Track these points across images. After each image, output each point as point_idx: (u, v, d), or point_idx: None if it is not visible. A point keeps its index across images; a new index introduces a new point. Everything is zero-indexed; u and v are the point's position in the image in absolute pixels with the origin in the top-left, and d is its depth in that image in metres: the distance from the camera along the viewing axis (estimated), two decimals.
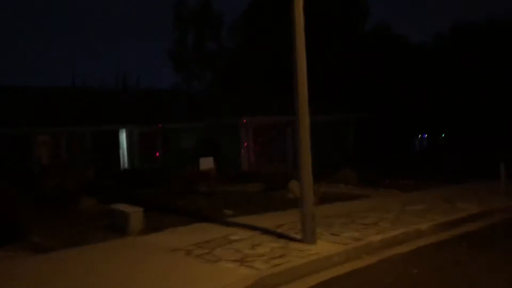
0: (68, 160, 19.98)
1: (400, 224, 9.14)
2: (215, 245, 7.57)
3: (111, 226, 8.54)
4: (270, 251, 7.18)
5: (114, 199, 10.98)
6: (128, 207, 8.66)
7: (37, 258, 7.20)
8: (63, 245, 7.77)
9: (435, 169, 20.09)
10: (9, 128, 18.78)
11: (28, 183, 12.67)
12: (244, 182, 16.56)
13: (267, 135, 22.97)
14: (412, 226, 8.96)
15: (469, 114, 28.91)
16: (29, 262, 6.98)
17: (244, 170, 21.05)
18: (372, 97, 30.92)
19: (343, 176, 16.70)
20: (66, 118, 20.63)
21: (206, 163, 13.69)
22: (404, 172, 18.74)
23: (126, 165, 24.07)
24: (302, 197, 7.64)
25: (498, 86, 27.56)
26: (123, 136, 24.26)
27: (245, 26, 40.17)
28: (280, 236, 8.10)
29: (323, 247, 7.39)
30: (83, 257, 7.17)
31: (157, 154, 24.65)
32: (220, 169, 18.73)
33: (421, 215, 10.10)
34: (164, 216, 10.18)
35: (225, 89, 35.76)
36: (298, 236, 7.87)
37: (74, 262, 6.86)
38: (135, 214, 8.34)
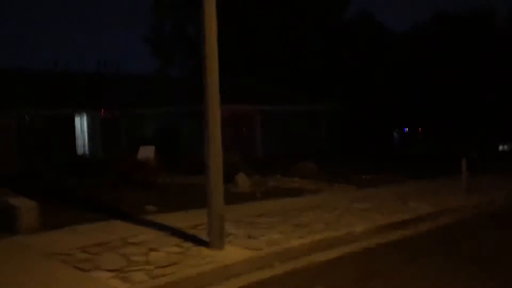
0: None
1: (335, 225, 8.19)
2: (106, 248, 6.56)
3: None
4: (164, 257, 6.18)
5: (32, 191, 9.90)
6: (21, 201, 7.61)
7: None
8: None
9: (407, 163, 19.19)
10: None
11: None
12: (201, 173, 15.48)
13: (236, 124, 21.91)
14: (347, 229, 8.00)
15: (448, 107, 28.01)
16: None
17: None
18: (352, 88, 29.90)
19: (302, 169, 15.77)
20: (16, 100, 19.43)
21: (145, 152, 12.64)
22: (373, 166, 17.90)
23: (86, 153, 22.96)
24: (208, 197, 6.61)
25: (476, 77, 26.65)
26: (82, 122, 23.14)
27: (224, 8, 38.81)
28: (189, 238, 7.09)
29: (230, 253, 6.40)
30: None
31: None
32: (178, 159, 17.73)
33: (364, 215, 9.15)
34: (77, 211, 9.14)
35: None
36: (208, 239, 6.86)
37: None
38: (25, 209, 7.30)
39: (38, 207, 7.60)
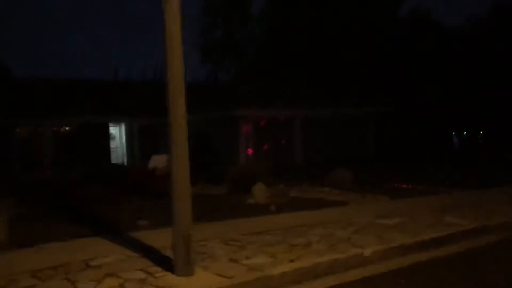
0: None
1: (342, 246, 6.95)
2: (61, 272, 5.74)
3: None
4: (117, 286, 5.26)
5: (40, 201, 9.46)
6: None
7: None
8: None
9: (462, 171, 17.22)
10: None
11: None
12: (224, 182, 14.61)
13: (274, 130, 20.88)
14: (354, 250, 6.74)
15: None
16: None
17: (242, 167, 19.07)
18: (402, 89, 27.94)
19: (335, 177, 14.43)
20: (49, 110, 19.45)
21: (157, 161, 11.89)
22: (420, 174, 16.25)
23: (124, 161, 22.80)
24: (172, 214, 5.63)
25: None
26: (120, 130, 22.99)
27: (272, 13, 38.06)
28: (161, 261, 6.14)
29: (196, 281, 5.38)
30: None
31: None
32: (209, 166, 16.95)
33: (384, 233, 7.82)
34: (67, 223, 8.53)
35: (247, 81, 33.87)
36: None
37: None
38: None
39: (5, 222, 6.94)
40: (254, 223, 8.71)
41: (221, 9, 41.54)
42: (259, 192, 11.17)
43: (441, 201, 11.13)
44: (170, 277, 5.52)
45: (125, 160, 22.94)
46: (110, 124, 22.15)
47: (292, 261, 6.16)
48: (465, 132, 29.70)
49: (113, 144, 22.81)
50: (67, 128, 19.97)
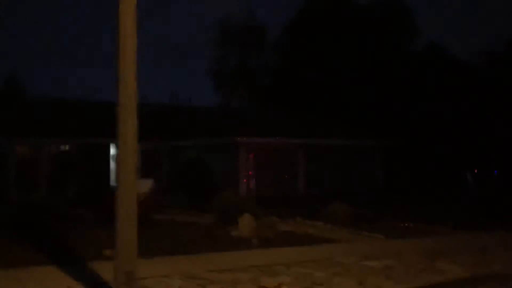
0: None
1: None
2: None
3: None
4: None
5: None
6: None
7: None
8: None
9: (469, 211, 16.28)
10: None
11: None
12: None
13: (274, 159, 20.25)
14: None
15: None
16: None
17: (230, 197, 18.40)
18: (416, 123, 27.20)
19: (332, 211, 13.71)
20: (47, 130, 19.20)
21: (141, 185, 11.37)
22: (425, 212, 15.40)
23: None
24: (115, 247, 5.06)
25: None
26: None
27: (284, 43, 37.98)
28: None
29: None
30: None
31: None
32: (205, 194, 16.38)
33: (366, 277, 7.13)
34: (26, 249, 8.04)
35: (257, 109, 33.55)
36: None
37: None
38: None
39: None
40: (229, 258, 8.08)
41: (236, 37, 41.71)
42: (245, 224, 10.54)
43: (439, 243, 10.36)
44: None
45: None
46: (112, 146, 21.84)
47: None
48: (475, 170, 28.59)
49: (115, 166, 22.45)
50: (66, 148, 19.66)
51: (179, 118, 24.99)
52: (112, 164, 21.87)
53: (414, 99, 26.97)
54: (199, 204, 14.71)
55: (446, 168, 26.75)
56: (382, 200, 18.99)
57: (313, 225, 12.21)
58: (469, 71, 26.83)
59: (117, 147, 5.17)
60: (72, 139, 19.42)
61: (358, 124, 25.27)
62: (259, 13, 57.25)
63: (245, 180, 18.56)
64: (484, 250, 9.73)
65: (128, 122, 5.12)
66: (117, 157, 5.11)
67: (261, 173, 19.56)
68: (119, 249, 4.96)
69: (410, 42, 32.90)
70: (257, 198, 17.45)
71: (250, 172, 19.08)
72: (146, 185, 11.37)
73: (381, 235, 11.04)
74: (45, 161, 18.73)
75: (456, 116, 25.81)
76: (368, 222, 12.88)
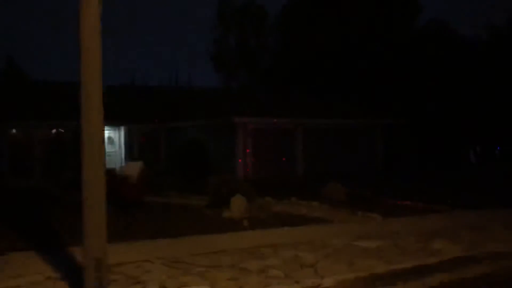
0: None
1: (302, 274, 6.06)
2: None
3: None
4: None
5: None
6: None
7: None
8: None
9: (471, 189, 15.91)
10: None
11: None
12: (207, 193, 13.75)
13: (273, 139, 19.94)
14: (314, 280, 5.79)
15: None
16: None
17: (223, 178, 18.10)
18: (419, 101, 26.74)
19: (328, 191, 13.47)
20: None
21: (131, 167, 11.12)
22: (425, 191, 15.06)
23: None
24: (84, 231, 4.78)
25: None
26: (120, 134, 22.41)
27: (283, 23, 37.30)
28: (78, 285, 5.28)
29: None
30: None
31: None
32: (202, 176, 16.13)
33: (358, 258, 6.85)
34: (9, 234, 7.81)
35: (257, 90, 33.11)
36: None
37: None
38: None
39: None
40: (217, 241, 7.82)
41: (234, 17, 41.02)
42: (236, 206, 10.28)
43: (437, 222, 10.06)
44: None
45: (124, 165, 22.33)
46: (107, 128, 21.60)
47: None
48: (477, 148, 28.19)
49: (111, 148, 22.22)
50: (60, 132, 19.40)
51: (177, 100, 24.68)
52: (111, 147, 21.75)
53: (415, 77, 26.46)
54: (195, 186, 14.44)
55: (449, 146, 26.37)
56: (382, 179, 18.69)
57: (308, 205, 11.93)
58: (472, 46, 26.21)
59: (81, 127, 4.80)
60: (63, 122, 19.15)
61: (358, 103, 24.85)
62: None
63: (241, 161, 18.29)
64: (482, 228, 9.43)
65: (93, 97, 4.78)
66: (81, 137, 4.77)
67: (259, 153, 19.27)
68: (87, 235, 4.70)
69: (411, 19, 32.22)
70: (254, 179, 17.23)
71: (247, 152, 18.79)
72: (135, 168, 11.09)
73: (377, 215, 10.74)
74: (38, 145, 18.53)
75: (459, 93, 25.32)
76: (366, 202, 12.61)
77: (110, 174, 11.17)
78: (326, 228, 9.20)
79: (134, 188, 10.56)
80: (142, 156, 22.34)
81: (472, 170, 25.58)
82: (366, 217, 10.74)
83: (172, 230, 8.61)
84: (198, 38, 63.91)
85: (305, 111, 21.20)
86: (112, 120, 21.52)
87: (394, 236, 8.55)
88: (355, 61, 29.06)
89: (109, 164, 21.72)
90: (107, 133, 22.15)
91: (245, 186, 11.43)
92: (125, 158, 22.36)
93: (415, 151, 24.94)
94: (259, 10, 40.60)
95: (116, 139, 22.47)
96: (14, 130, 18.65)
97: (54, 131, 19.33)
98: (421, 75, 26.83)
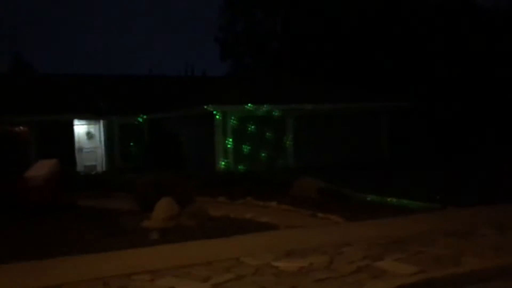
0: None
1: None
2: None
3: None
4: None
5: None
6: None
7: None
8: None
9: (489, 181, 13.32)
10: None
11: None
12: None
13: (258, 129, 17.85)
14: None
15: None
16: None
17: (218, 174, 16.21)
18: (430, 84, 23.99)
19: (298, 188, 11.39)
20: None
21: (39, 167, 9.33)
22: (427, 184, 12.71)
23: (103, 163, 20.61)
24: None
25: None
26: (100, 129, 20.82)
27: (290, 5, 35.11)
28: None
29: None
30: None
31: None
32: (180, 171, 14.33)
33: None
34: None
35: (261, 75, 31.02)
36: None
37: None
38: None
39: None
40: (94, 262, 5.91)
41: (240, 2, 39.14)
42: (161, 211, 8.34)
43: (414, 226, 7.82)
44: None
45: (104, 162, 20.75)
46: (86, 122, 20.15)
47: None
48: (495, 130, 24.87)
49: (91, 144, 20.69)
50: (20, 127, 17.89)
51: (161, 90, 22.92)
52: (90, 143, 20.34)
53: (423, 54, 23.75)
54: None
55: (463, 131, 23.52)
56: (381, 171, 16.34)
57: (264, 205, 9.90)
58: (489, 17, 23.28)
59: None
60: (26, 116, 17.61)
61: (362, 86, 22.47)
62: None
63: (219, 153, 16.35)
64: (470, 235, 7.20)
65: None
66: None
67: (241, 145, 17.28)
68: None
69: None
70: (227, 175, 15.30)
71: (227, 144, 16.84)
72: (44, 167, 9.29)
73: (340, 218, 8.62)
74: None
75: (473, 71, 22.48)
76: (338, 200, 10.49)
77: (10, 176, 9.48)
78: (256, 239, 7.13)
79: (38, 190, 8.77)
80: (123, 152, 20.81)
81: (490, 155, 22.43)
82: (326, 219, 8.65)
83: (56, 247, 6.77)
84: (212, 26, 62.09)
85: (299, 97, 18.94)
86: (91, 114, 20.01)
87: (341, 248, 6.47)
88: (361, 43, 26.56)
89: (89, 161, 20.40)
90: (86, 127, 20.62)
91: (184, 185, 9.47)
92: (105, 154, 20.81)
93: (428, 138, 22.30)
94: None
95: (96, 134, 20.92)
96: None
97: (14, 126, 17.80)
98: (430, 52, 24.07)
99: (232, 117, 16.93)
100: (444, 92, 22.81)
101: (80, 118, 19.46)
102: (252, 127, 17.54)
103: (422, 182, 13.27)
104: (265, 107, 17.47)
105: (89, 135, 20.64)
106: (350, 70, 26.23)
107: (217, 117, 16.60)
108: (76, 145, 19.72)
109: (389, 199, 10.63)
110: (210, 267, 5.68)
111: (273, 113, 17.86)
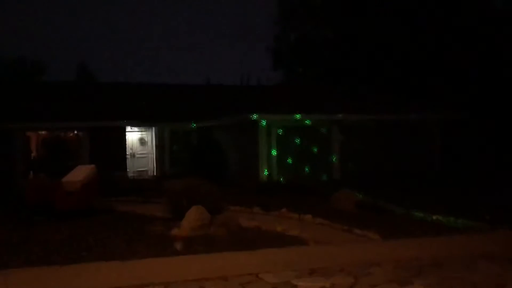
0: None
1: None
2: None
3: None
4: None
5: None
6: None
7: None
8: None
9: None
10: None
11: None
12: None
13: (302, 138, 17.44)
14: None
15: None
16: None
17: (259, 184, 15.95)
18: (486, 93, 22.68)
19: (336, 200, 10.98)
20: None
21: (76, 173, 9.43)
22: (481, 202, 11.87)
23: (154, 169, 21.04)
24: None
25: None
26: (152, 136, 21.25)
27: (339, 16, 34.60)
28: None
29: None
30: None
31: None
32: (222, 179, 14.36)
33: None
34: None
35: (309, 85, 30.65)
36: None
37: None
38: None
39: None
40: (101, 271, 5.82)
41: (294, 13, 39.10)
42: (191, 220, 8.21)
43: (455, 247, 7.26)
44: None
45: (154, 167, 21.16)
46: (139, 129, 20.70)
47: None
48: None
49: (143, 150, 21.24)
50: (75, 133, 18.49)
51: (210, 98, 23.09)
52: (143, 149, 20.84)
53: (483, 63, 22.52)
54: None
55: None
56: (428, 184, 15.50)
57: (299, 218, 9.55)
58: None
59: None
60: (77, 123, 18.16)
61: (413, 96, 21.59)
62: None
63: (262, 162, 16.10)
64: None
65: None
66: None
67: (285, 154, 16.96)
68: None
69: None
70: (267, 184, 15.07)
71: (271, 153, 16.58)
72: (81, 173, 9.40)
73: (376, 234, 8.15)
74: (51, 147, 17.73)
75: None
76: (377, 214, 9.99)
77: (39, 181, 9.66)
78: (281, 255, 6.82)
79: (70, 196, 8.88)
80: (173, 158, 21.13)
81: None
82: (362, 236, 8.20)
83: (85, 251, 6.79)
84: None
85: (346, 107, 18.38)
86: (144, 121, 20.43)
87: (368, 268, 6.05)
88: (412, 49, 25.60)
89: (141, 166, 20.84)
90: (139, 134, 21.11)
91: (216, 194, 9.33)
92: (157, 160, 21.19)
93: (482, 149, 21.02)
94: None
95: (148, 141, 21.40)
96: (26, 132, 18.03)
97: (64, 132, 18.45)
98: (491, 61, 22.81)
99: (277, 126, 16.67)
100: (497, 106, 21.53)
101: (133, 125, 19.92)
102: (297, 137, 17.19)
103: (473, 199, 12.44)
104: (310, 117, 17.08)
105: (141, 141, 21.13)
106: (401, 81, 25.37)
107: (262, 125, 16.39)
108: (129, 150, 20.21)
109: (434, 217, 10.01)
110: (225, 282, 5.45)
111: (319, 123, 17.44)
